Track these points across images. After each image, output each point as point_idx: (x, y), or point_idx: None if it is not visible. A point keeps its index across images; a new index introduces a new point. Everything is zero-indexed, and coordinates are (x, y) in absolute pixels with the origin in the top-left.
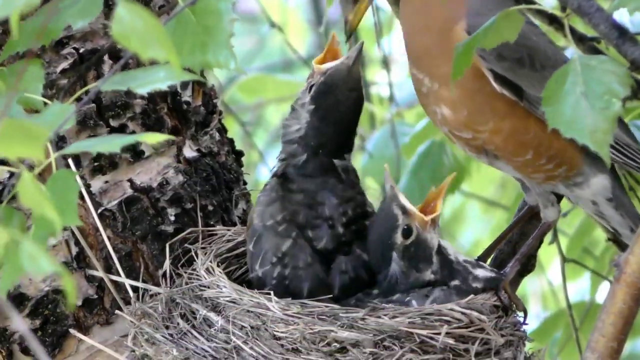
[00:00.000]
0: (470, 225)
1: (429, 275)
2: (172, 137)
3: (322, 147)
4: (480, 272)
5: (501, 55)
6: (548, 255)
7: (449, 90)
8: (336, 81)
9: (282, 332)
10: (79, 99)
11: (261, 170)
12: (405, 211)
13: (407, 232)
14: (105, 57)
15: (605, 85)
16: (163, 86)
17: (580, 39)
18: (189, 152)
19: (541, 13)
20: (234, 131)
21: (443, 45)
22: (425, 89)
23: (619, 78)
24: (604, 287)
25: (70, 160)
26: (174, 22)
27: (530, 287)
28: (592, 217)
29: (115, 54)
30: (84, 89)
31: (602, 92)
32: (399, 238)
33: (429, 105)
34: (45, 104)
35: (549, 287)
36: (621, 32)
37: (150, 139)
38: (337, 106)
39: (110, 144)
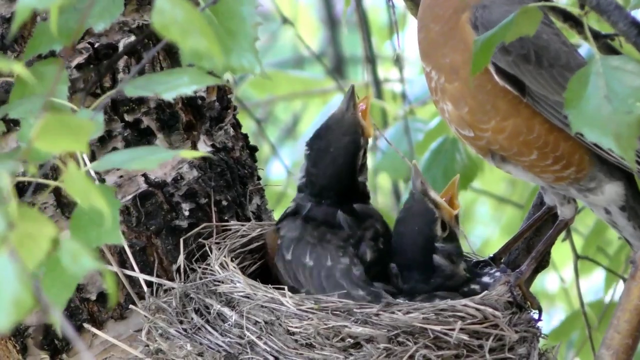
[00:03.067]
0: (480, 222)
1: (461, 270)
2: (205, 154)
3: (323, 196)
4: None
5: (506, 49)
6: (560, 252)
7: (452, 83)
8: (330, 125)
9: (296, 327)
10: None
11: (272, 166)
12: (437, 205)
13: (443, 225)
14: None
15: (629, 87)
16: (188, 91)
17: (595, 37)
18: (204, 147)
19: (555, 10)
20: (245, 126)
21: (449, 35)
22: (433, 83)
23: None
24: (620, 286)
25: (85, 157)
26: None
27: (541, 284)
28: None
29: (131, 50)
30: (105, 95)
31: (626, 95)
32: (439, 230)
33: (438, 103)
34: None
35: (561, 284)
36: None
37: (187, 154)
38: (329, 149)
39: (146, 160)
